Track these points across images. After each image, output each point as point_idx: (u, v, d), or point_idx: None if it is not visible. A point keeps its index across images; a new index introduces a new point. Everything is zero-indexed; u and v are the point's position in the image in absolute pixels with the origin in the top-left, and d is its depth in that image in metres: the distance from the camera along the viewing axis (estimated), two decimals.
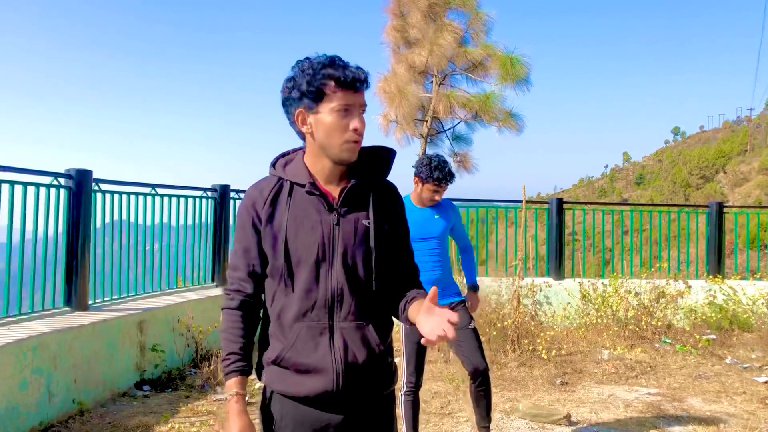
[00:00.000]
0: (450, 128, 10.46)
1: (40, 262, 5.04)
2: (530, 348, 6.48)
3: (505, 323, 6.64)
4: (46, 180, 5.06)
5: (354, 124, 1.75)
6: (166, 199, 6.57)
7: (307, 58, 1.77)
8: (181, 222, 6.88)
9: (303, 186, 1.81)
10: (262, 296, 1.88)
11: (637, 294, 7.47)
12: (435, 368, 6.08)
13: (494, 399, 4.08)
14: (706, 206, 9.29)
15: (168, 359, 5.81)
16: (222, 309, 1.87)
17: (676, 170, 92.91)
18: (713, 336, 7.36)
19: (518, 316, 6.71)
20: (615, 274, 8.25)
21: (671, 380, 5.89)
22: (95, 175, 5.48)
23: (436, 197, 3.88)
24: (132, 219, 6.15)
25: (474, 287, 4.16)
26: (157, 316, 5.81)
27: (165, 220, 6.64)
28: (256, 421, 1.86)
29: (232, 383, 1.78)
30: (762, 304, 7.78)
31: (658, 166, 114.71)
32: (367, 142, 1.85)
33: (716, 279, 8.29)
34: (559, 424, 4.63)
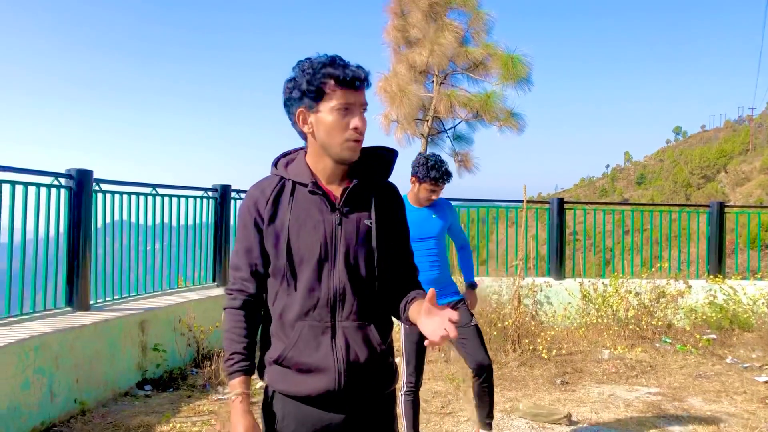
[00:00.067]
0: (451, 128, 10.46)
1: (41, 262, 5.05)
2: (531, 348, 6.48)
3: (506, 323, 6.65)
4: (47, 180, 5.07)
5: (354, 122, 1.75)
6: (166, 199, 6.58)
7: (308, 59, 1.78)
8: (182, 222, 6.89)
9: (305, 185, 1.81)
10: (264, 296, 1.89)
11: (637, 294, 7.47)
12: (435, 368, 6.09)
13: (495, 398, 4.09)
14: (707, 206, 9.28)
15: (169, 359, 5.82)
16: (224, 309, 1.87)
17: (677, 170, 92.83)
18: (714, 336, 7.36)
19: (519, 316, 6.72)
20: (615, 273, 8.25)
21: (671, 380, 5.89)
22: (96, 175, 5.48)
23: (433, 197, 3.88)
24: (133, 219, 6.16)
25: (472, 285, 4.17)
26: (158, 315, 5.82)
27: (166, 220, 6.65)
28: (259, 421, 1.87)
29: (236, 383, 1.79)
30: (762, 303, 7.78)
31: (659, 165, 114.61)
32: (368, 142, 1.86)
33: (717, 279, 8.29)
34: (560, 424, 4.64)
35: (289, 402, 1.82)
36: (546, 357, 6.33)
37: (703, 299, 7.90)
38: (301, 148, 1.91)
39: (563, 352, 6.65)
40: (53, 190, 5.10)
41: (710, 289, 8.00)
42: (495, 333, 6.57)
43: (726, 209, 9.25)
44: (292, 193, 1.82)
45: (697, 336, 7.11)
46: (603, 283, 7.74)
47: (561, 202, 8.98)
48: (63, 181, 5.20)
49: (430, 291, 1.65)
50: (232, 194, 7.53)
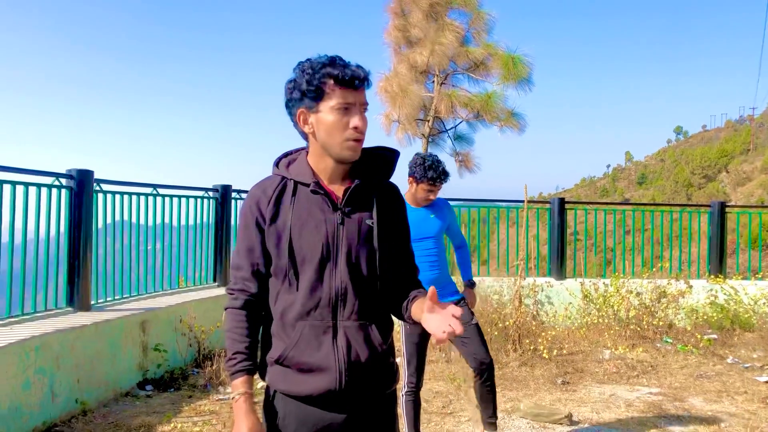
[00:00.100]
0: (452, 128, 10.45)
1: (42, 263, 5.05)
2: (531, 348, 6.48)
3: (507, 323, 6.65)
4: (48, 180, 5.07)
5: (354, 122, 1.75)
6: (167, 199, 6.58)
7: (308, 59, 1.78)
8: (183, 222, 6.89)
9: (307, 185, 1.81)
10: (266, 296, 1.88)
11: (638, 294, 7.47)
12: (436, 368, 6.08)
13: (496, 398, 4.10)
14: (708, 206, 9.28)
15: (170, 359, 5.82)
16: (226, 309, 1.87)
17: (678, 170, 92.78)
18: (714, 336, 7.36)
19: (520, 316, 6.72)
20: (616, 273, 8.25)
21: (672, 380, 5.89)
22: (96, 176, 5.48)
23: (431, 197, 3.87)
24: (134, 219, 6.16)
25: (471, 284, 4.16)
26: (159, 316, 5.82)
27: (166, 220, 6.65)
28: (262, 420, 1.87)
29: (239, 383, 1.79)
30: (763, 303, 7.78)
31: (660, 165, 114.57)
32: (369, 142, 1.86)
33: (718, 279, 8.28)
34: (561, 424, 4.64)
35: (290, 402, 1.81)
36: (547, 357, 6.32)
37: (704, 299, 7.89)
38: (303, 148, 1.91)
39: (564, 352, 6.65)
40: (54, 191, 5.11)
41: (711, 289, 7.99)
42: (496, 333, 6.57)
43: (727, 209, 9.25)
44: (294, 193, 1.82)
45: (698, 336, 7.11)
46: (604, 283, 7.74)
47: (562, 202, 8.97)
48: (64, 181, 5.21)
49: (431, 289, 1.65)
50: (233, 194, 7.53)
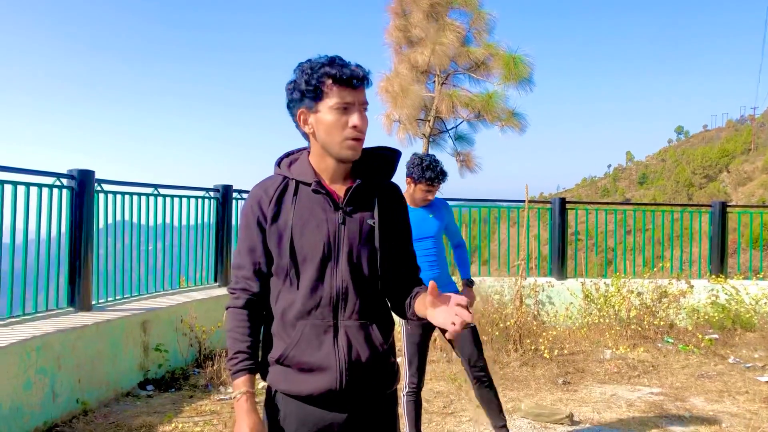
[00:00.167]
0: (452, 128, 10.43)
1: (43, 263, 5.06)
2: (532, 348, 6.48)
3: (508, 323, 6.65)
4: (49, 180, 5.08)
5: (353, 121, 1.75)
6: (168, 199, 6.59)
7: (308, 60, 1.79)
8: (184, 222, 6.90)
9: (309, 185, 1.81)
10: (267, 295, 1.88)
11: (639, 294, 7.46)
12: (437, 368, 6.08)
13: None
14: (710, 206, 9.28)
15: (171, 359, 5.82)
16: (227, 308, 1.87)
17: (679, 170, 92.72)
18: (716, 336, 7.35)
19: (521, 316, 6.71)
20: (617, 273, 8.24)
21: (674, 380, 5.89)
22: (98, 176, 5.49)
23: (429, 197, 3.87)
24: (134, 219, 6.16)
25: (469, 282, 4.16)
26: (160, 316, 5.82)
27: (167, 220, 6.66)
28: (264, 420, 1.87)
29: (240, 382, 1.79)
30: (765, 303, 7.78)
31: (661, 165, 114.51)
32: (370, 142, 1.86)
33: (719, 279, 8.27)
34: (562, 424, 4.64)
35: (291, 402, 1.81)
36: (548, 357, 6.32)
37: (705, 299, 7.89)
38: (305, 148, 1.91)
39: (565, 352, 6.65)
40: (55, 191, 5.11)
41: (712, 289, 7.99)
42: (497, 333, 6.57)
43: (728, 209, 9.25)
44: (296, 193, 1.82)
45: (700, 336, 7.10)
46: (605, 282, 7.74)
47: (563, 202, 8.97)
48: (65, 181, 5.21)
49: (431, 284, 1.65)
50: (234, 194, 7.54)
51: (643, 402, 5.20)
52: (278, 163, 1.91)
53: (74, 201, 5.25)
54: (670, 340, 7.16)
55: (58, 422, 4.41)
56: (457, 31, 9.49)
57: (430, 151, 9.72)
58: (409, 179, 3.84)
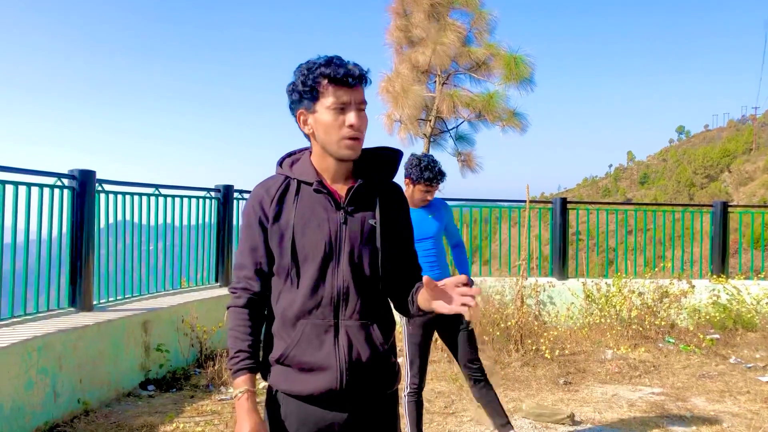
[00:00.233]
0: (453, 128, 10.43)
1: (44, 263, 5.06)
2: (534, 348, 6.48)
3: (509, 323, 6.65)
4: (50, 181, 5.08)
5: (350, 120, 1.75)
6: (169, 199, 6.59)
7: (307, 61, 1.79)
8: (185, 222, 6.90)
9: (310, 184, 1.82)
10: (268, 295, 1.88)
11: (640, 294, 7.46)
12: (438, 368, 6.08)
13: (498, 398, 4.08)
14: (711, 206, 9.27)
15: (172, 359, 5.82)
16: (228, 307, 1.87)
17: (680, 169, 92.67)
18: (717, 336, 7.34)
19: (522, 316, 6.71)
20: (619, 273, 8.24)
21: (675, 380, 5.88)
22: (98, 176, 5.49)
23: (428, 197, 3.87)
24: (136, 219, 6.16)
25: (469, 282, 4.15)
26: (161, 316, 5.83)
27: (168, 220, 6.66)
28: (264, 419, 1.86)
29: (241, 381, 1.78)
30: (766, 303, 7.77)
31: (662, 165, 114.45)
32: (371, 143, 1.87)
33: (720, 278, 8.27)
34: (563, 424, 4.63)
35: (292, 401, 1.81)
36: (549, 357, 6.32)
37: (706, 299, 7.88)
38: (306, 149, 1.92)
39: (566, 352, 6.65)
40: (56, 191, 5.11)
41: (714, 289, 7.98)
42: (498, 333, 6.57)
43: (729, 209, 9.23)
44: (297, 192, 1.83)
45: (701, 336, 7.09)
46: (606, 283, 7.73)
47: (564, 201, 8.97)
48: (66, 181, 5.21)
49: (425, 278, 1.67)
50: (235, 194, 7.54)
51: (644, 402, 5.20)
52: (280, 163, 1.92)
53: (75, 201, 5.25)
54: (671, 340, 7.16)
55: (59, 422, 4.42)
56: (458, 31, 9.49)
57: (431, 152, 9.73)
58: (407, 180, 3.84)
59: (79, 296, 5.28)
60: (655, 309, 7.37)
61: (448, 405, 5.09)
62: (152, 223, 6.43)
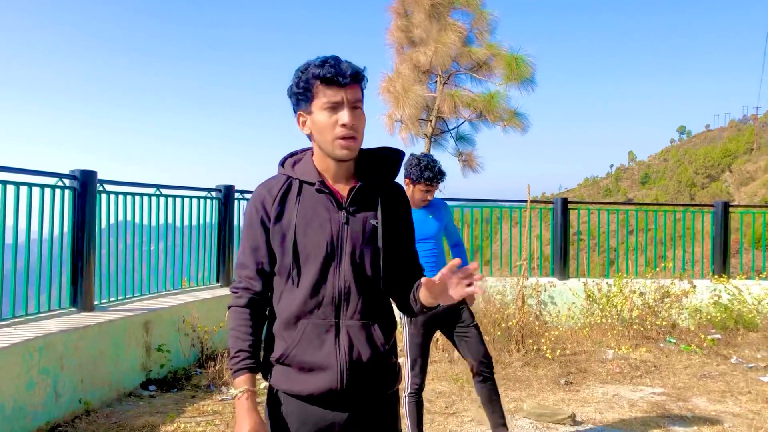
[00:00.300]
0: (454, 128, 10.43)
1: (45, 263, 5.06)
2: (535, 348, 6.48)
3: (510, 323, 6.64)
4: (51, 181, 5.09)
5: (342, 119, 1.74)
6: (170, 199, 6.59)
7: (305, 63, 1.80)
8: (186, 222, 6.90)
9: (312, 184, 1.82)
10: (269, 295, 1.89)
11: (641, 294, 7.45)
12: (439, 368, 6.08)
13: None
14: (712, 206, 9.26)
15: (173, 359, 5.83)
16: (229, 307, 1.87)
17: (681, 169, 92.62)
18: (718, 336, 7.34)
19: (523, 316, 6.71)
20: (620, 273, 8.23)
21: (676, 380, 5.88)
22: (100, 176, 5.49)
23: (428, 197, 3.87)
24: (137, 219, 6.16)
25: None
26: (162, 316, 5.83)
27: (170, 220, 6.66)
28: (265, 419, 1.87)
29: (241, 380, 1.78)
30: (767, 303, 7.76)
31: (663, 165, 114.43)
32: (372, 143, 1.87)
33: (721, 278, 8.26)
34: (564, 424, 4.63)
35: (292, 401, 1.82)
36: (550, 357, 6.32)
37: (707, 299, 7.88)
38: (308, 149, 1.92)
39: (567, 352, 6.64)
40: (57, 191, 5.12)
41: (715, 289, 7.98)
42: (499, 333, 6.57)
43: (730, 209, 9.23)
44: (299, 192, 1.83)
45: (702, 336, 7.09)
46: (607, 283, 7.73)
47: (565, 201, 8.96)
48: (67, 181, 5.22)
49: (424, 279, 1.69)
50: (236, 195, 7.54)
51: (645, 402, 5.19)
52: (282, 163, 1.92)
53: (76, 201, 5.26)
54: (672, 340, 7.16)
55: (60, 422, 4.42)
56: (459, 32, 9.48)
57: (432, 152, 9.73)
58: (407, 180, 3.84)
59: (80, 296, 5.28)
60: (656, 309, 7.37)
61: (448, 405, 5.09)
62: (153, 223, 6.44)
